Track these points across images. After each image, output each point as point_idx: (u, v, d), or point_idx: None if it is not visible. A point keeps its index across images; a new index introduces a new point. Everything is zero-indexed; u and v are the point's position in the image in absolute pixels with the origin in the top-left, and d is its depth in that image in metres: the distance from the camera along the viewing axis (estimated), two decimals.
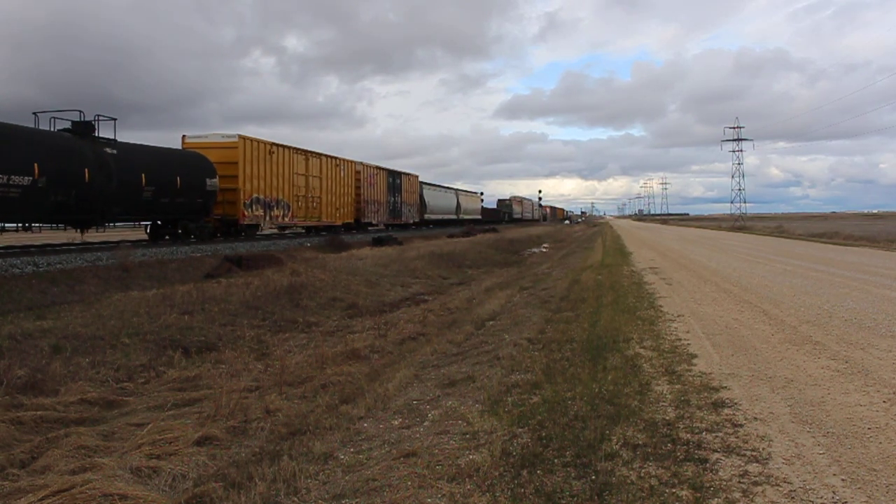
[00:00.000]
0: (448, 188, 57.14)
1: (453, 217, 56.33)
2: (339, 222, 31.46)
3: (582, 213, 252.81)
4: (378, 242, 27.18)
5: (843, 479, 3.46)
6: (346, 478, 3.97)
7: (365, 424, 5.12)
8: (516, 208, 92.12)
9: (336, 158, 30.85)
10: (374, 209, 36.05)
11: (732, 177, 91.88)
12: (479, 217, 68.31)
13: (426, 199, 46.81)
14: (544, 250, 33.19)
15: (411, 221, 43.31)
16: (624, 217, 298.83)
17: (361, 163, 34.14)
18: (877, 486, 3.38)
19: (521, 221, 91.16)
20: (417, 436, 4.59)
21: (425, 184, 47.42)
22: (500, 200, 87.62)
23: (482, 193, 73.79)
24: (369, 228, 36.13)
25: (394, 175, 39.64)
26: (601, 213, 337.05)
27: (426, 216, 47.23)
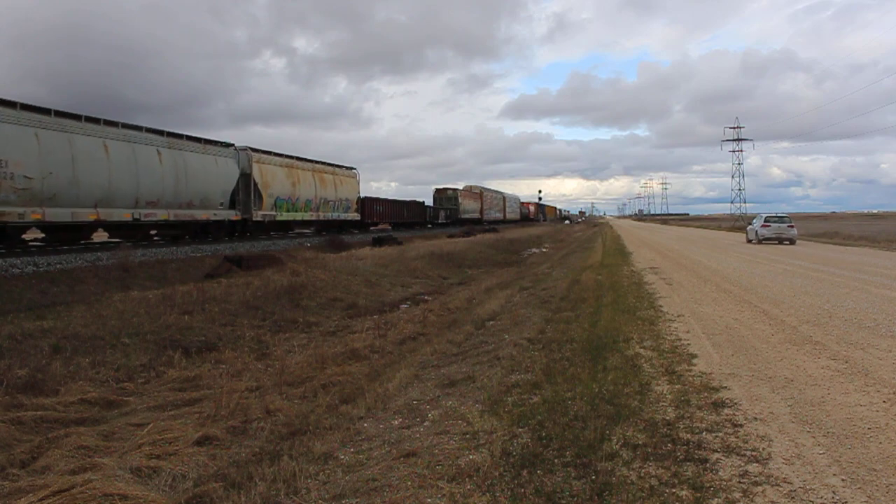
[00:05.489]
0: (219, 145, 23.52)
1: (218, 215, 22.79)
2: None
3: (581, 212, 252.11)
4: (378, 242, 27.26)
5: (843, 479, 3.46)
6: (347, 478, 3.97)
7: (365, 424, 5.12)
8: (468, 205, 60.25)
9: None
10: None
11: (733, 177, 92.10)
12: (356, 218, 35.90)
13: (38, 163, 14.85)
14: (544, 251, 33.18)
15: None
16: (624, 217, 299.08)
17: None
18: (877, 486, 3.38)
19: (483, 223, 60.94)
20: (417, 436, 4.59)
21: (42, 115, 15.32)
22: (437, 190, 57.06)
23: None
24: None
25: None
26: (601, 213, 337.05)
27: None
